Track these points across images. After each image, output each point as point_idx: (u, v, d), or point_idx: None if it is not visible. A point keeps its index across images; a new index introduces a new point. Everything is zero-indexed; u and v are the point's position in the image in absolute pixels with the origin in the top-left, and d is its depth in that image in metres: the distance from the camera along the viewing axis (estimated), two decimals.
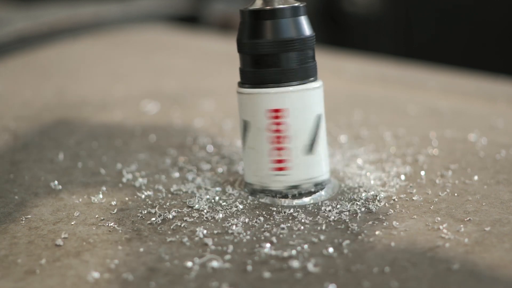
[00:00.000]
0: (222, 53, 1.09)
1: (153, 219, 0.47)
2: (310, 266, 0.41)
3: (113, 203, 0.50)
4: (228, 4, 1.51)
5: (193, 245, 0.44)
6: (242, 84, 0.50)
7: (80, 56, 1.07)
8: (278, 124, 0.49)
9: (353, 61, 1.06)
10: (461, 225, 0.45)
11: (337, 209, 0.48)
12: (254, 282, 0.39)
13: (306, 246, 0.43)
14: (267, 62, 0.48)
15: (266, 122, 0.49)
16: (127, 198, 0.51)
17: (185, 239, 0.44)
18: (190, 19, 1.44)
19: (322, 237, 0.44)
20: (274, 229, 0.46)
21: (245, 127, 0.50)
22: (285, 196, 0.50)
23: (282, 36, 0.48)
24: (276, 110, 0.49)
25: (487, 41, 1.58)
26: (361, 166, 0.57)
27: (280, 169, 0.49)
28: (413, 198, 0.50)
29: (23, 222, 0.47)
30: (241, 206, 0.49)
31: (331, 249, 0.43)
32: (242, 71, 0.50)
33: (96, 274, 0.40)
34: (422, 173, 0.55)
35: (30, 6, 1.33)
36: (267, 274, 0.40)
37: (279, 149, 0.49)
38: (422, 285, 0.39)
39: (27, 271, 0.41)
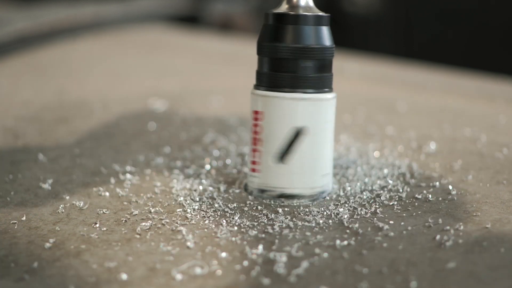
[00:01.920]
0: (222, 53, 1.09)
1: (153, 219, 0.47)
2: (309, 267, 0.41)
3: (113, 203, 0.50)
4: (228, 4, 1.51)
5: (192, 246, 0.44)
6: (257, 86, 0.50)
7: (80, 56, 1.07)
8: (255, 126, 0.50)
9: (353, 61, 1.06)
10: (461, 225, 0.45)
11: (337, 209, 0.48)
12: (252, 283, 0.39)
13: (304, 246, 0.43)
14: (284, 66, 0.48)
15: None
16: (127, 198, 0.51)
17: (184, 240, 0.44)
18: (190, 19, 1.45)
19: (321, 237, 0.44)
20: (273, 230, 0.45)
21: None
22: (284, 197, 0.50)
23: (301, 43, 0.48)
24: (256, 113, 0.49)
25: (488, 41, 1.58)
26: (361, 166, 0.57)
27: (253, 170, 0.50)
28: (413, 197, 0.50)
29: (23, 222, 0.47)
30: (240, 207, 0.49)
31: (330, 250, 0.43)
32: (259, 73, 0.50)
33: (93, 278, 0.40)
34: (422, 173, 0.55)
35: (30, 6, 1.33)
36: (265, 275, 0.40)
37: (254, 150, 0.50)
38: (422, 285, 0.39)
39: (27, 271, 0.41)
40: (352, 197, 0.50)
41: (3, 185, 0.54)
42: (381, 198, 0.50)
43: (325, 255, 0.42)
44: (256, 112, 0.49)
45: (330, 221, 0.47)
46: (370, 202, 0.50)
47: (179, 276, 0.40)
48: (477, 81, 0.94)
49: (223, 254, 0.42)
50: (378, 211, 0.48)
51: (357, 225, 0.46)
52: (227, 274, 0.40)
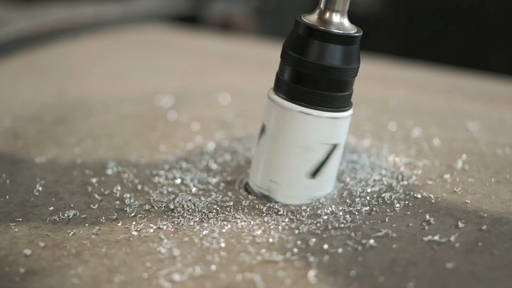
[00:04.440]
0: (223, 53, 1.09)
1: (153, 218, 0.47)
2: (307, 268, 0.41)
3: (113, 202, 0.50)
4: (228, 4, 1.51)
5: (191, 246, 0.44)
6: (276, 91, 0.49)
7: (80, 56, 1.07)
8: None
9: None
10: (461, 225, 0.45)
11: (337, 208, 0.48)
12: (251, 284, 0.39)
13: (303, 247, 0.43)
14: (305, 80, 0.47)
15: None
16: (126, 198, 0.51)
17: (184, 239, 0.44)
18: (190, 19, 1.44)
19: (320, 237, 0.44)
20: (273, 230, 0.46)
21: (263, 130, 0.50)
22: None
23: (326, 61, 0.47)
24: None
25: (488, 41, 1.58)
26: (360, 166, 0.56)
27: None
28: (413, 197, 0.50)
29: (23, 222, 0.47)
30: (239, 206, 0.49)
31: (329, 250, 0.43)
32: (279, 79, 0.49)
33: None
34: (422, 172, 0.55)
35: (30, 6, 1.33)
36: (264, 276, 0.40)
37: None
38: (422, 285, 0.39)
39: (27, 271, 0.41)
40: (352, 197, 0.50)
41: (3, 185, 0.54)
42: (381, 197, 0.50)
43: (324, 255, 0.42)
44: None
45: (329, 220, 0.47)
46: (370, 201, 0.50)
47: (178, 277, 0.40)
48: (477, 80, 0.94)
49: (222, 254, 0.42)
50: (378, 210, 0.48)
51: (356, 224, 0.46)
52: (225, 274, 0.40)
